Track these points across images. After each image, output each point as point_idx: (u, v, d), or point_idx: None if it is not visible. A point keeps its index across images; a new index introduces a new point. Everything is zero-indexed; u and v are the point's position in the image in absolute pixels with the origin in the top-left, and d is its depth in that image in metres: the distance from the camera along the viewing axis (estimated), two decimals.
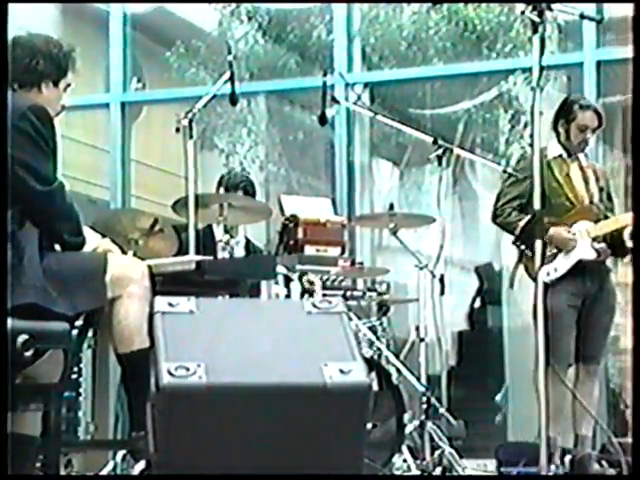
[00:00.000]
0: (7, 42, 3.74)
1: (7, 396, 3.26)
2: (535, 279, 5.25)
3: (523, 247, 5.37)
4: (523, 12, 3.88)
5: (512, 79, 7.95)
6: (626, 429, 7.03)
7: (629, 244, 5.35)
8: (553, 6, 3.86)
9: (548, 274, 5.32)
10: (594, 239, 5.40)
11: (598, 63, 7.21)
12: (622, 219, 5.38)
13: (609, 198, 5.66)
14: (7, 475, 3.21)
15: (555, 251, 5.38)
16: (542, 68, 3.87)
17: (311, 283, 5.12)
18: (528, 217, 5.31)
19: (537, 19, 3.84)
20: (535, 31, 3.86)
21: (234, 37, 8.99)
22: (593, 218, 5.45)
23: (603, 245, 5.43)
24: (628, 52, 7.42)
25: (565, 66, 7.67)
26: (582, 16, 4.17)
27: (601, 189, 5.58)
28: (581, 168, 5.55)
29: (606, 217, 5.51)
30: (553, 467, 5.06)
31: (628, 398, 7.21)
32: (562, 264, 5.38)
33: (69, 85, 3.85)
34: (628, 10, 7.70)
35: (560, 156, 5.51)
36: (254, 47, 9.01)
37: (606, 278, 5.55)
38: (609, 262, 5.71)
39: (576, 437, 5.38)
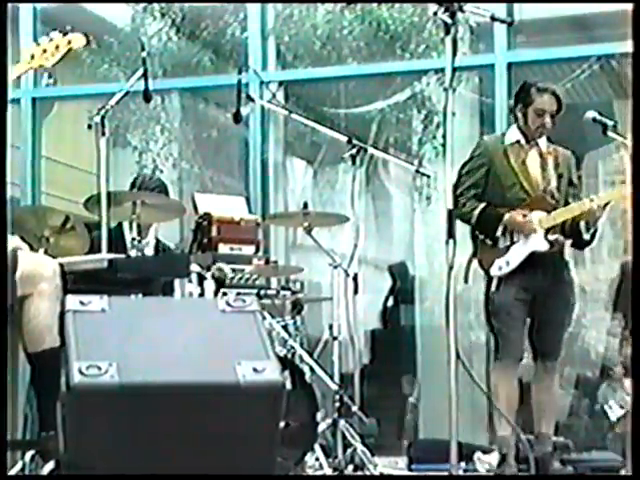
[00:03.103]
0: (7, 42, 3.69)
1: (6, 397, 3.20)
2: (488, 272, 5.29)
3: (482, 236, 5.25)
4: (435, 13, 3.91)
5: (425, 80, 8.02)
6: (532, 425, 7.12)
7: (586, 236, 5.26)
8: (464, 7, 3.90)
9: (500, 268, 5.21)
10: (547, 230, 5.25)
11: (509, 65, 7.33)
12: (575, 208, 5.23)
13: (570, 183, 5.45)
14: (7, 475, 3.16)
15: (508, 243, 5.26)
16: (454, 69, 3.90)
17: (220, 270, 5.09)
18: (482, 205, 5.25)
19: (449, 20, 3.88)
20: (447, 32, 3.89)
21: (147, 33, 8.90)
22: (547, 208, 5.28)
23: (557, 236, 5.28)
24: (538, 54, 7.61)
25: (477, 67, 7.76)
26: (493, 18, 4.21)
27: (560, 175, 5.38)
28: (540, 154, 5.37)
29: (567, 204, 5.33)
30: (463, 464, 5.07)
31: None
32: (514, 257, 5.24)
33: None
34: (538, 13, 7.86)
35: (517, 142, 5.35)
36: (167, 44, 8.93)
37: (562, 271, 5.38)
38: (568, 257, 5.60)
39: (537, 436, 5.27)
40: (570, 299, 5.42)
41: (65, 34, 4.17)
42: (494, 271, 5.22)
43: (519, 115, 5.36)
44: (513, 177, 5.30)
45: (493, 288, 5.22)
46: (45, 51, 4.13)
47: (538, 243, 5.24)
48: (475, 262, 5.30)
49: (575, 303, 5.50)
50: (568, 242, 5.41)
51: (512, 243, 5.26)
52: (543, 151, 5.38)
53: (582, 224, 5.24)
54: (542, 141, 5.39)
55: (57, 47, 4.14)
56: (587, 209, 5.16)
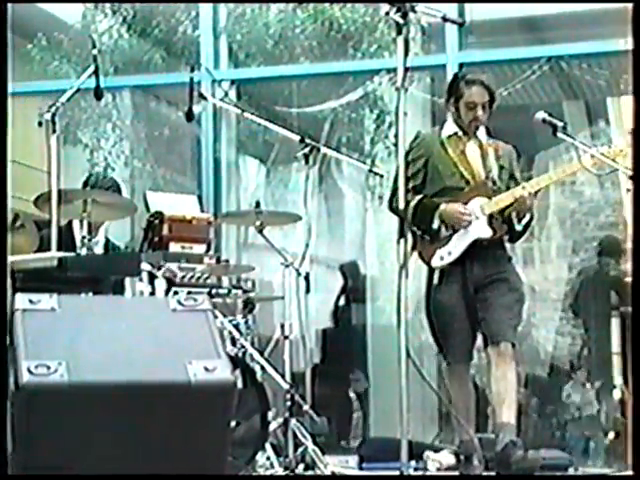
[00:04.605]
0: (7, 42, 3.65)
1: (7, 393, 3.16)
2: (429, 264, 5.20)
3: (419, 232, 5.10)
4: (387, 13, 3.92)
5: (377, 79, 8.04)
6: (486, 425, 7.18)
7: (518, 227, 5.13)
8: (416, 8, 3.91)
9: (442, 258, 5.07)
10: (490, 216, 5.12)
11: (460, 65, 7.38)
12: (517, 192, 5.07)
13: (511, 177, 5.29)
14: (7, 475, 3.12)
15: (449, 233, 5.10)
16: (406, 69, 3.91)
17: (170, 270, 5.07)
18: (418, 198, 5.10)
19: (401, 20, 3.89)
20: (399, 32, 3.91)
21: (98, 31, 8.85)
22: (489, 194, 5.14)
23: (499, 223, 5.14)
24: (488, 55, 7.67)
25: (428, 67, 7.80)
26: (444, 19, 4.23)
27: (501, 167, 5.25)
28: (480, 146, 5.24)
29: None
30: (414, 462, 5.07)
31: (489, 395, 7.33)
32: (457, 246, 5.10)
33: None
34: (489, 14, 7.92)
35: (455, 134, 5.23)
36: (118, 41, 8.89)
37: (503, 259, 5.22)
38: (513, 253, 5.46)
39: (495, 425, 5.08)
40: (519, 287, 5.23)
41: None
42: (435, 262, 5.08)
43: (452, 109, 5.24)
44: (452, 167, 5.17)
45: (435, 281, 5.08)
46: None
47: (481, 230, 5.12)
48: (415, 255, 5.12)
49: (524, 294, 5.31)
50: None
51: (454, 232, 5.11)
52: (483, 143, 5.26)
53: (513, 215, 5.11)
54: (481, 134, 5.27)
55: None
56: (532, 189, 5.03)
